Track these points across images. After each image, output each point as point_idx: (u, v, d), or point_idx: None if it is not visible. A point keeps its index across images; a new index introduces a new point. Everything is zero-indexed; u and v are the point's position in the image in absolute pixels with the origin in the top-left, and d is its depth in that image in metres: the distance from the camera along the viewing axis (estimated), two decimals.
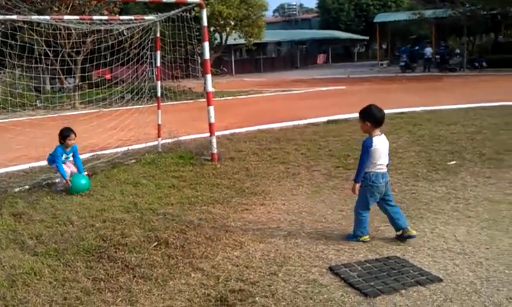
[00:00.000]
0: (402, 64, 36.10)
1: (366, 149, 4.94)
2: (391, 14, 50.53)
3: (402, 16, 44.55)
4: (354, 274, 4.24)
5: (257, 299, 3.93)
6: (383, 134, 5.06)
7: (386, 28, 47.62)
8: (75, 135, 7.86)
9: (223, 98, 22.85)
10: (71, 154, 7.88)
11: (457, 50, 36.12)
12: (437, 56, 35.60)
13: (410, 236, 4.94)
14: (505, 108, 13.80)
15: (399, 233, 5.00)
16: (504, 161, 8.02)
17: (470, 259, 4.50)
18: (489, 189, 6.60)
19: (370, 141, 4.95)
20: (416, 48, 39.21)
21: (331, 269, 4.40)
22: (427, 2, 36.16)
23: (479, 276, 4.15)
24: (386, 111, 13.09)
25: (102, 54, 11.64)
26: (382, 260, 4.53)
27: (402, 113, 13.75)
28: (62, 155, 7.72)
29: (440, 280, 4.10)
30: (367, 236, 5.02)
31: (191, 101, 19.07)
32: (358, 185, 5.00)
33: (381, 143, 4.98)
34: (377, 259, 4.57)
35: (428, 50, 35.98)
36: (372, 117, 4.99)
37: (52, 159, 7.77)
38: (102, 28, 10.44)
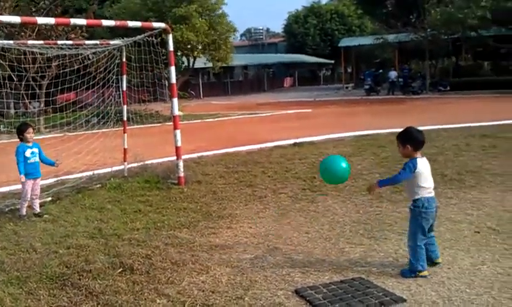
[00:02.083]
0: (367, 87, 36.74)
1: (408, 171, 4.66)
2: (355, 38, 51.52)
3: (366, 40, 45.50)
4: (320, 296, 4.27)
5: None
6: (424, 157, 4.82)
7: (350, 52, 48.53)
8: (33, 129, 7.74)
9: (190, 122, 22.81)
10: (36, 149, 7.64)
11: (420, 74, 37.01)
12: (400, 79, 36.38)
13: (436, 263, 4.83)
14: (466, 129, 14.17)
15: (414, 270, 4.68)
16: (465, 182, 8.22)
17: (432, 279, 4.58)
18: (451, 210, 6.75)
19: (415, 162, 4.68)
20: (381, 71, 40.02)
21: (297, 292, 4.42)
22: (390, 27, 37.02)
23: (441, 296, 4.23)
24: (351, 134, 13.28)
25: (68, 78, 11.54)
26: (347, 282, 4.57)
27: (366, 135, 13.99)
28: (26, 151, 7.48)
29: (404, 300, 4.16)
30: (427, 272, 4.64)
31: (158, 124, 19.03)
32: (377, 189, 4.87)
33: (424, 166, 4.74)
34: (342, 281, 4.62)
35: (392, 74, 36.77)
36: (413, 140, 4.75)
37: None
38: (67, 53, 10.37)
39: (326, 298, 4.23)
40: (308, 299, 4.25)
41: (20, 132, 7.61)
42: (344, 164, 4.96)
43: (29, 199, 7.51)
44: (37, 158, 7.66)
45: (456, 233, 5.82)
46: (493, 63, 40.52)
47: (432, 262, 4.83)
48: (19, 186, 9.21)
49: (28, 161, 7.50)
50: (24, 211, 7.49)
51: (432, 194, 4.76)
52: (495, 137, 12.55)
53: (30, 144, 7.60)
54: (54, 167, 8.07)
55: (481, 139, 12.37)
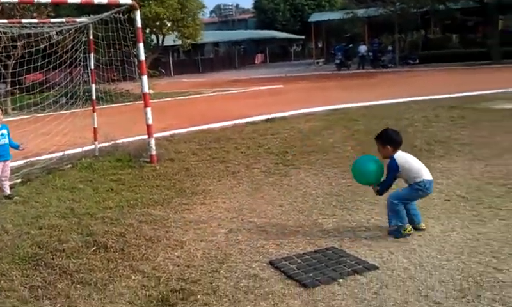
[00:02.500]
0: (338, 62, 36.87)
1: (392, 171, 5.00)
2: (325, 13, 51.43)
3: (335, 15, 45.48)
4: (294, 267, 4.32)
5: (199, 296, 3.94)
6: (400, 151, 5.08)
7: (320, 27, 48.47)
8: (2, 111, 7.59)
9: (161, 100, 22.62)
10: (4, 131, 7.46)
11: (390, 47, 37.26)
12: (370, 53, 36.57)
13: (421, 229, 5.03)
14: (435, 101, 14.37)
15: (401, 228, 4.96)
16: (435, 152, 8.37)
17: (404, 246, 4.67)
18: None
19: (394, 160, 4.98)
20: (351, 46, 40.14)
21: (271, 263, 4.47)
22: (359, 2, 37.14)
23: (412, 262, 4.32)
24: (322, 108, 13.38)
25: (34, 57, 11.28)
26: (320, 252, 4.64)
27: (338, 109, 14.08)
28: None
29: (376, 268, 4.24)
30: (409, 227, 4.93)
31: (129, 103, 18.81)
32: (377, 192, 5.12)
33: (404, 156, 5.04)
34: (315, 251, 4.68)
35: (362, 48, 36.94)
36: (393, 141, 5.03)
37: None
38: (32, 31, 10.12)
39: (300, 268, 4.29)
40: (282, 269, 4.30)
41: None
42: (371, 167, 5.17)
43: None
44: (6, 140, 7.49)
45: (426, 201, 5.89)
46: (461, 36, 40.98)
47: (415, 227, 5.01)
48: None
49: None
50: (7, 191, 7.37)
51: (431, 177, 5.06)
52: (462, 108, 12.78)
53: None
54: (19, 151, 7.88)
55: (450, 110, 12.58)
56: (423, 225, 5.07)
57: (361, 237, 4.97)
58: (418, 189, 4.96)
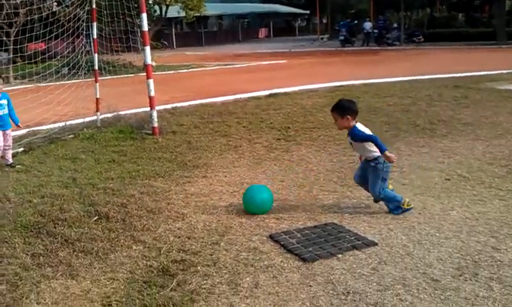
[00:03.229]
0: (342, 38, 36.62)
1: (360, 132, 4.89)
2: None
3: None
4: (294, 241, 4.36)
5: (199, 268, 3.98)
6: (359, 122, 5.02)
7: (326, 2, 48.03)
8: (3, 80, 7.50)
9: (164, 72, 22.54)
10: (4, 101, 7.39)
11: (395, 25, 36.97)
12: (375, 30, 36.29)
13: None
14: (438, 80, 14.33)
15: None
16: (437, 131, 8.37)
17: (403, 223, 4.70)
18: (423, 158, 6.89)
19: (356, 127, 4.92)
20: (356, 22, 39.84)
21: (271, 237, 4.50)
22: None
23: (411, 239, 4.35)
24: (325, 85, 13.33)
25: (36, 25, 11.19)
26: (320, 227, 4.67)
27: (340, 86, 14.05)
28: None
29: (375, 244, 4.27)
30: (407, 200, 4.96)
31: (132, 75, 18.69)
32: (390, 155, 4.84)
33: (364, 128, 4.97)
34: (315, 226, 4.71)
35: (367, 25, 36.68)
36: (352, 110, 4.94)
37: None
38: None
39: (299, 242, 4.32)
40: (282, 243, 4.33)
41: None
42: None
43: (1, 149, 7.33)
44: (5, 111, 7.41)
45: (427, 180, 5.95)
46: (467, 15, 40.65)
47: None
48: None
49: None
50: (10, 160, 7.37)
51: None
52: (466, 87, 12.74)
53: None
54: (17, 126, 7.73)
55: (453, 89, 12.55)
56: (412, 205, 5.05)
57: (361, 214, 4.99)
58: (381, 164, 4.90)
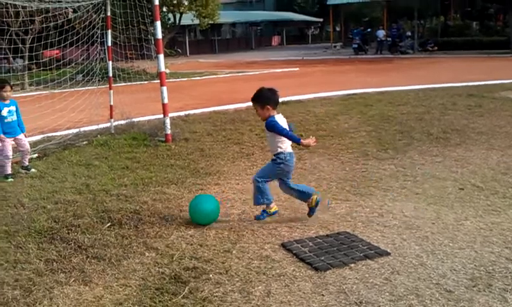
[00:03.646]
0: (355, 46, 36.56)
1: (275, 123, 4.89)
2: None
3: None
4: (306, 250, 4.35)
5: (211, 275, 3.99)
6: (280, 114, 5.05)
7: (339, 10, 47.94)
8: (11, 88, 7.50)
9: (177, 79, 22.65)
10: (13, 107, 7.38)
11: (409, 33, 36.85)
12: (388, 38, 36.21)
13: (317, 203, 5.04)
14: (452, 89, 14.24)
15: (310, 203, 5.04)
16: (451, 140, 8.31)
17: (416, 233, 4.67)
18: (436, 167, 6.85)
19: (273, 118, 4.92)
20: (369, 30, 39.78)
21: (283, 245, 4.49)
22: None
23: (425, 249, 4.32)
24: (338, 93, 13.28)
25: (51, 33, 11.31)
26: (332, 236, 4.65)
27: (354, 94, 14.00)
28: (3, 110, 7.22)
29: (388, 254, 4.25)
30: (274, 204, 5.07)
31: (145, 82, 18.79)
32: (306, 141, 4.90)
33: (282, 121, 4.98)
34: (327, 235, 4.70)
35: (380, 33, 36.57)
36: (272, 100, 4.95)
37: None
38: (50, 6, 10.14)
39: (311, 251, 4.31)
40: (294, 252, 4.33)
41: None
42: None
43: (10, 157, 7.29)
44: (14, 117, 7.40)
45: (441, 190, 5.91)
46: (481, 23, 40.42)
47: (310, 198, 5.05)
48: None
49: (5, 120, 7.24)
50: (8, 170, 7.25)
51: (291, 150, 5.07)
52: (480, 96, 12.66)
53: (7, 102, 7.32)
54: (24, 134, 7.65)
55: (467, 98, 12.47)
56: (319, 196, 5.07)
57: (374, 223, 4.97)
58: (280, 163, 4.99)
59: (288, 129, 4.95)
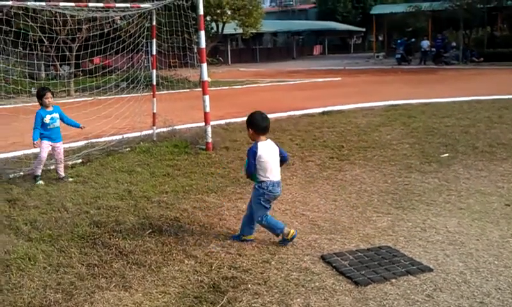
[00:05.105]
0: (398, 56, 36.10)
1: (251, 157, 4.79)
2: (388, 6, 50.44)
3: (399, 8, 44.52)
4: (346, 263, 4.29)
5: (249, 286, 3.97)
6: (268, 140, 4.92)
7: (382, 20, 47.57)
8: (52, 94, 7.67)
9: (219, 88, 22.83)
10: (57, 114, 7.55)
11: (454, 44, 36.15)
12: (433, 49, 35.61)
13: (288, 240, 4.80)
14: (499, 101, 13.86)
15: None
16: (497, 154, 8.08)
17: (460, 250, 4.55)
18: (481, 182, 6.66)
19: (255, 147, 4.79)
20: (413, 40, 39.23)
21: (323, 258, 4.44)
22: None
23: (468, 266, 4.20)
24: (381, 103, 13.16)
25: (98, 41, 11.58)
26: (373, 250, 4.58)
27: (397, 105, 13.81)
28: (46, 117, 7.41)
29: (431, 270, 4.15)
30: (292, 231, 4.77)
31: (188, 90, 19.03)
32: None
33: (266, 150, 4.81)
34: (368, 248, 4.62)
35: (425, 43, 36.00)
36: (253, 124, 4.85)
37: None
38: (98, 15, 10.39)
39: (352, 265, 4.25)
40: (334, 265, 4.27)
41: (39, 97, 7.49)
42: None
43: (43, 161, 7.45)
44: (57, 124, 7.56)
45: (486, 205, 5.75)
46: None
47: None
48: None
49: (48, 127, 7.43)
50: (38, 172, 7.45)
51: (279, 179, 4.87)
52: None
53: (50, 109, 7.49)
54: (80, 129, 8.02)
55: None
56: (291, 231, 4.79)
57: (416, 238, 4.87)
58: (261, 193, 4.78)
59: (275, 163, 4.84)
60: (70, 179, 7.51)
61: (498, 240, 4.75)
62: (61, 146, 7.67)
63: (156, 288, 4.02)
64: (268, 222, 4.85)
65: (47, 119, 7.43)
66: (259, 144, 4.82)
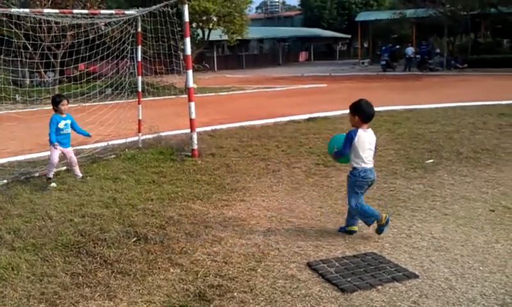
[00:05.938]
0: (383, 63, 36.33)
1: (349, 140, 4.96)
2: (373, 13, 50.79)
3: (383, 15, 44.85)
4: (332, 270, 4.28)
5: (235, 294, 3.95)
6: (369, 129, 5.07)
7: (367, 27, 47.91)
8: (68, 101, 7.95)
9: (205, 94, 22.80)
10: (69, 121, 7.84)
11: (438, 50, 36.50)
12: (417, 56, 35.92)
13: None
14: (483, 108, 14.01)
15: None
16: (481, 160, 8.15)
17: (445, 256, 4.57)
18: (466, 188, 6.71)
19: (355, 132, 4.96)
20: (398, 47, 39.53)
21: (309, 265, 4.44)
22: (408, 2, 36.51)
23: (454, 273, 4.22)
24: None
25: (82, 48, 11.51)
26: (359, 256, 4.58)
27: (382, 111, 13.85)
28: (60, 122, 7.70)
29: (416, 276, 4.16)
30: (383, 215, 4.97)
31: (173, 97, 18.99)
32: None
33: (365, 137, 4.97)
34: (354, 255, 4.62)
35: (409, 50, 36.30)
36: (360, 111, 4.99)
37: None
38: (83, 22, 10.33)
39: (338, 272, 4.25)
40: (320, 272, 4.27)
41: (55, 103, 7.80)
42: None
43: (55, 164, 7.70)
44: (69, 130, 7.86)
45: (471, 211, 5.79)
46: None
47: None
48: (33, 155, 9.37)
49: (61, 132, 7.71)
50: (50, 174, 7.68)
51: (371, 166, 5.03)
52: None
53: (64, 116, 7.79)
54: (87, 137, 8.36)
55: (498, 117, 12.24)
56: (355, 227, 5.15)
57: (402, 244, 4.88)
58: (354, 181, 5.00)
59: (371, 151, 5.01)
60: (53, 185, 7.50)
61: (483, 245, 4.78)
62: (71, 152, 7.94)
63: (141, 297, 3.98)
64: (363, 210, 4.99)
65: (61, 124, 7.74)
66: (359, 131, 4.96)
